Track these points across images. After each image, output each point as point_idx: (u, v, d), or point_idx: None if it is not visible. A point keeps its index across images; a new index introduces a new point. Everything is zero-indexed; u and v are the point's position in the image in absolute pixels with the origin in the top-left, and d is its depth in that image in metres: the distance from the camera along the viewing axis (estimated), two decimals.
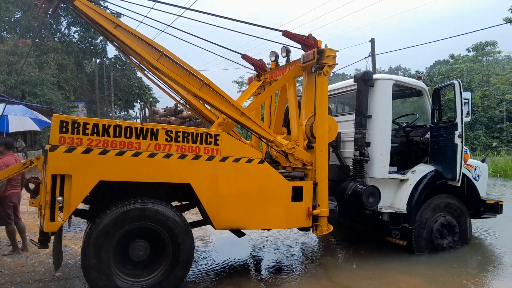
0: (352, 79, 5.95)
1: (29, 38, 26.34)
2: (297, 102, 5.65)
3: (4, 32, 28.83)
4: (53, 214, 3.71)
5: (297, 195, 4.80)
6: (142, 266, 4.18)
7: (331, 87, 6.26)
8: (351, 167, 5.78)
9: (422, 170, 5.96)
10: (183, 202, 5.14)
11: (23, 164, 4.46)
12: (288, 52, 5.87)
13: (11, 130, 11.64)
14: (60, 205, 3.73)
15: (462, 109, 5.79)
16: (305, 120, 5.24)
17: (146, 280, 4.08)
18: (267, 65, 6.70)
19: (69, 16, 30.26)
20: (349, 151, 5.89)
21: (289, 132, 5.93)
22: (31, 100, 20.57)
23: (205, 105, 5.88)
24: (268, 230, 5.30)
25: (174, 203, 4.81)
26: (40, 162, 4.22)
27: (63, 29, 32.11)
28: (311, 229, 5.01)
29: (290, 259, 5.86)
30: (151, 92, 36.85)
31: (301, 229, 5.17)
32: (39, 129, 13.90)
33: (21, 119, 12.03)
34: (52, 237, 4.06)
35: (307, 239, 6.99)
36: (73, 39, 32.53)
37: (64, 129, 3.76)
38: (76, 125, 3.80)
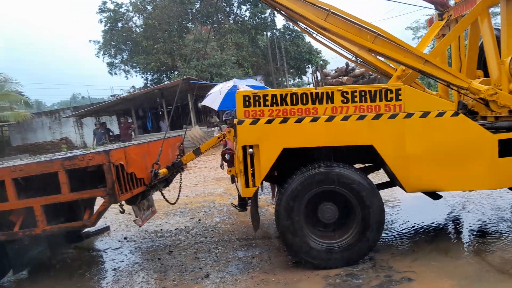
0: None
1: (209, 24, 29.45)
2: (495, 37, 4.66)
3: (189, 23, 32.97)
4: (247, 181, 4.06)
5: (506, 149, 4.01)
6: (332, 228, 4.23)
7: None
8: None
9: None
10: (367, 164, 4.95)
11: (217, 137, 5.01)
12: None
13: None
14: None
15: None
16: (509, 58, 4.28)
17: (338, 242, 4.11)
18: (449, 1, 5.73)
19: None
20: None
21: (486, 75, 4.98)
22: (218, 80, 23.18)
23: (380, 58, 5.45)
24: (469, 191, 4.65)
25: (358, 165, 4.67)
26: (231, 135, 4.66)
27: (235, 10, 34.76)
28: None
29: (499, 223, 5.05)
30: (320, 55, 36.89)
31: None
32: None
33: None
34: (249, 201, 4.48)
35: None
36: (245, 18, 34.91)
37: (247, 103, 4.00)
38: (257, 98, 4.00)
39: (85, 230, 6.09)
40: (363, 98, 3.98)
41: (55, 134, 27.38)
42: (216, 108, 10.12)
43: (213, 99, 10.04)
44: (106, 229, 6.62)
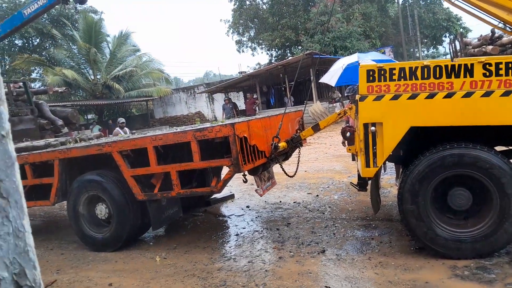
0: None
1: None
2: None
3: None
4: (368, 161, 3.90)
5: None
6: (463, 216, 3.84)
7: None
8: None
9: None
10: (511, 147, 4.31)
11: (338, 114, 4.89)
12: None
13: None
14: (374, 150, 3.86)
15: None
16: None
17: (469, 231, 3.72)
18: None
19: None
20: None
21: None
22: (342, 53, 22.46)
23: None
24: None
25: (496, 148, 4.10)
26: (352, 111, 4.50)
27: None
28: None
29: None
30: (460, 22, 32.84)
31: None
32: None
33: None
34: (370, 181, 4.31)
35: None
36: None
37: (371, 78, 3.79)
38: (382, 72, 3.75)
39: (213, 196, 6.67)
40: (510, 70, 3.44)
41: (191, 108, 30.12)
42: (333, 84, 9.80)
43: (332, 75, 9.74)
44: (231, 196, 7.13)
